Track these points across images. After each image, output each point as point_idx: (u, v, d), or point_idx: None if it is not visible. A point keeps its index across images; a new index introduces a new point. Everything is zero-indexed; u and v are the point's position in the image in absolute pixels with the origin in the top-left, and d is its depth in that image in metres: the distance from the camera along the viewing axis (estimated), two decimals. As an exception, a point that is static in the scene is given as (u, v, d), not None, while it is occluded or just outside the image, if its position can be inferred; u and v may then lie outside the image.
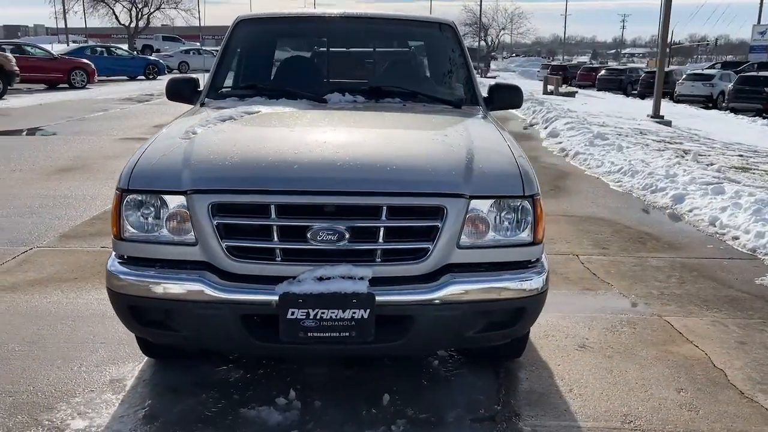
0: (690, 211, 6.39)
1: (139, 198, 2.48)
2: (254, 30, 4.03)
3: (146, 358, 3.17)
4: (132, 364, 3.17)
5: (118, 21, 54.11)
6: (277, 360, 3.18)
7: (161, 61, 32.80)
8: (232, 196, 2.42)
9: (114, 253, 2.58)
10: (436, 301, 2.42)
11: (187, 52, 41.37)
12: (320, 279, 2.38)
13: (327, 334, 2.39)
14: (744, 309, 4.02)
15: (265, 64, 3.98)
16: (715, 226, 5.84)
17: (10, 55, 18.99)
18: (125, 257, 2.53)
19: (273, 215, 2.39)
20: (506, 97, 3.88)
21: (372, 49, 4.17)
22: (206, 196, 2.41)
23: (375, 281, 2.41)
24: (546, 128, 12.96)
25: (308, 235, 2.39)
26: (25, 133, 11.63)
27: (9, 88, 18.25)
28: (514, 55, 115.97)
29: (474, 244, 2.50)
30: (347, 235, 2.40)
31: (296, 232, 2.41)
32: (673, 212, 6.53)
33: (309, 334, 2.38)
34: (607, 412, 2.83)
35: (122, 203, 2.49)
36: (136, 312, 2.50)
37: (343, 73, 4.02)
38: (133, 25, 54.22)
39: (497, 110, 3.96)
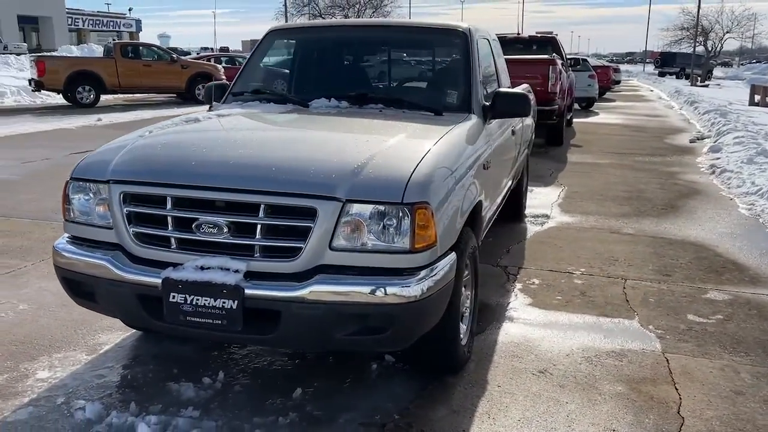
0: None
1: (78, 185, 2.88)
2: (277, 40, 4.32)
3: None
4: (120, 333, 3.62)
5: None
6: (230, 344, 3.43)
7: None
8: (137, 187, 2.71)
9: (65, 233, 3.01)
10: (301, 299, 2.49)
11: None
12: (201, 268, 2.58)
13: (202, 320, 2.58)
14: (782, 358, 3.43)
15: (275, 71, 4.26)
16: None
17: (219, 66, 21.53)
18: (70, 237, 2.95)
19: (169, 206, 2.65)
20: (508, 104, 3.72)
21: (374, 57, 4.24)
22: (118, 186, 2.74)
23: (250, 275, 2.55)
24: (714, 142, 11.65)
25: (193, 227, 2.61)
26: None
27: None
28: (754, 61, 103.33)
29: (348, 247, 2.52)
30: (226, 229, 2.58)
31: (186, 224, 2.63)
32: (794, 243, 5.61)
33: (187, 318, 2.59)
34: (508, 441, 2.66)
35: (67, 189, 2.90)
36: (69, 284, 2.90)
37: (341, 79, 4.13)
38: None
39: (500, 117, 3.83)
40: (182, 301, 2.57)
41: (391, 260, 2.53)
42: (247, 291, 2.51)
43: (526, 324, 3.81)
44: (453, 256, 2.78)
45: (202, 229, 2.60)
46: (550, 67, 10.25)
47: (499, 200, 4.27)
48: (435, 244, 2.60)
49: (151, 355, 3.37)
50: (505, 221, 6.16)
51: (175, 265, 2.63)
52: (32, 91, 19.37)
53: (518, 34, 13.11)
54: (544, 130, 11.51)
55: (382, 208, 2.52)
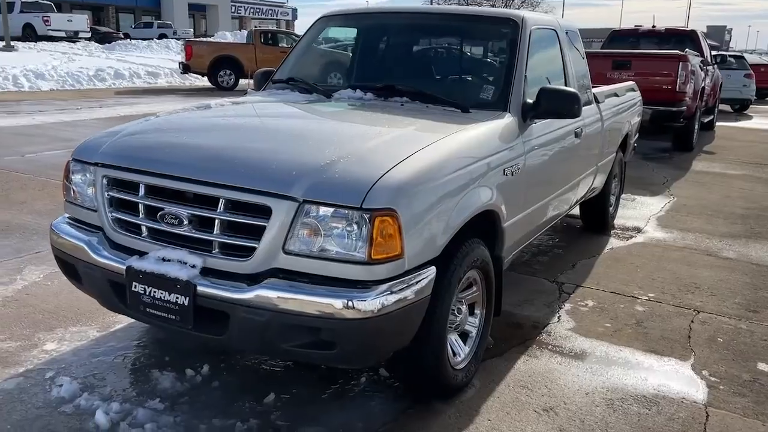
0: None
1: (75, 166, 2.91)
2: (327, 27, 4.16)
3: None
4: (138, 313, 3.67)
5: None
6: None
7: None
8: (116, 171, 2.68)
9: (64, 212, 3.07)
10: (247, 302, 2.33)
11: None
12: (163, 260, 2.50)
13: (158, 313, 2.50)
14: None
15: (318, 59, 4.09)
16: None
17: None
18: (68, 217, 2.99)
19: (141, 193, 2.59)
20: (554, 103, 3.31)
21: (416, 46, 3.92)
22: (102, 170, 2.73)
23: (208, 272, 2.44)
24: None
25: (158, 216, 2.53)
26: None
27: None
28: None
29: (303, 252, 2.32)
30: (187, 222, 2.47)
31: (154, 213, 2.56)
32: None
33: (147, 309, 2.53)
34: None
35: (67, 168, 2.94)
36: (61, 263, 2.95)
37: (375, 69, 3.88)
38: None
39: (544, 117, 3.41)
40: (142, 292, 2.51)
41: (346, 270, 2.29)
42: (199, 288, 2.39)
43: (554, 351, 3.39)
44: (431, 270, 2.48)
45: (166, 219, 2.52)
46: (680, 63, 9.26)
47: (547, 210, 3.83)
48: (400, 257, 2.33)
49: (153, 340, 3.38)
50: (587, 232, 5.64)
51: (142, 254, 2.58)
52: (181, 73, 20.84)
53: (653, 27, 12.00)
54: (671, 134, 10.49)
55: (341, 212, 2.28)
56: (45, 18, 28.09)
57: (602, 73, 9.44)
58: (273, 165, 2.41)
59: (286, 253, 2.33)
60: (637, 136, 6.47)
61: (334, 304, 2.24)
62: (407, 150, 2.57)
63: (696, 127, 10.60)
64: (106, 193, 2.70)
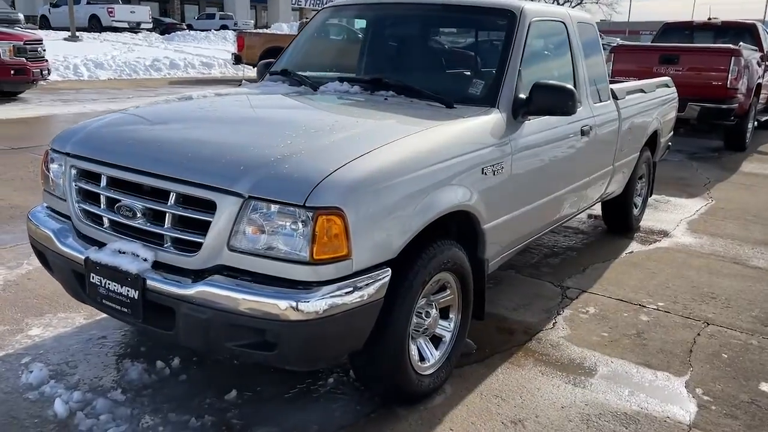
0: None
1: (53, 156, 2.93)
2: (329, 18, 4.09)
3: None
4: (128, 302, 3.71)
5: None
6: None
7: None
8: (82, 162, 2.69)
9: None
10: (189, 299, 2.29)
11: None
12: (119, 252, 2.50)
13: (113, 305, 2.50)
14: None
15: (316, 50, 4.03)
16: None
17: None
18: (46, 206, 3.03)
19: (103, 184, 2.60)
20: (547, 99, 3.14)
21: (411, 38, 3.78)
22: (71, 159, 2.74)
23: (159, 266, 2.42)
24: None
25: (115, 208, 2.53)
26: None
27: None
28: None
29: (247, 250, 2.26)
30: (140, 215, 2.46)
31: (113, 204, 2.56)
32: None
33: (103, 301, 2.53)
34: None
35: (45, 157, 2.98)
36: (35, 251, 2.98)
37: (367, 61, 3.77)
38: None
39: (537, 114, 3.24)
40: (98, 283, 2.52)
41: (290, 270, 2.23)
42: (149, 282, 2.37)
43: (540, 360, 3.24)
44: (385, 272, 2.39)
45: (122, 211, 2.51)
46: (732, 58, 8.76)
47: (546, 213, 3.66)
48: (347, 257, 2.24)
49: (135, 330, 3.39)
50: (610, 235, 5.40)
51: (102, 245, 2.58)
52: (233, 64, 21.16)
53: (709, 19, 11.39)
54: (721, 133, 9.97)
55: (285, 209, 2.22)
56: (109, 9, 29.07)
57: (648, 68, 9.07)
58: (223, 159, 2.37)
59: (231, 249, 2.28)
60: (671, 134, 6.15)
61: (275, 304, 2.18)
62: (368, 146, 2.47)
63: (750, 125, 10.03)
64: (73, 183, 2.72)
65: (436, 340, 2.92)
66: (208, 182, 2.30)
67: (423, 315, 2.78)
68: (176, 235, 2.38)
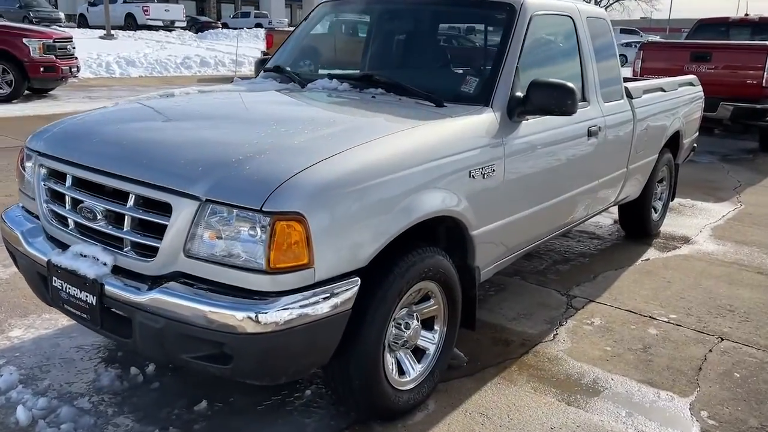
0: None
1: (28, 154, 2.85)
2: (326, 14, 3.94)
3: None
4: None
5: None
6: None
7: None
8: (50, 161, 2.60)
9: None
10: (143, 306, 2.18)
11: (627, 45, 40.08)
12: (81, 255, 2.39)
13: (74, 311, 2.40)
14: None
15: (311, 47, 3.89)
16: None
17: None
18: (21, 206, 2.95)
19: (68, 184, 2.50)
20: (545, 98, 2.95)
21: (408, 33, 3.61)
22: (39, 158, 2.65)
23: (119, 271, 2.31)
24: None
25: (77, 209, 2.43)
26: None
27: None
28: None
29: (203, 256, 2.13)
30: (100, 216, 2.35)
31: (76, 205, 2.46)
32: None
33: (65, 306, 2.44)
34: None
35: (21, 156, 2.90)
36: (9, 252, 2.91)
37: (359, 57, 3.61)
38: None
39: (534, 114, 3.05)
40: (60, 287, 2.42)
41: (247, 279, 2.09)
42: (106, 288, 2.27)
43: (534, 375, 3.05)
44: (353, 282, 2.23)
45: (83, 213, 2.40)
46: (768, 56, 8.35)
47: (547, 218, 3.46)
48: (308, 266, 2.10)
49: (116, 332, 3.31)
50: (627, 240, 5.16)
51: (66, 248, 2.48)
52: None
53: (746, 15, 10.91)
54: (757, 134, 9.54)
55: (242, 214, 2.08)
56: (145, 8, 29.46)
57: (679, 66, 8.71)
58: (182, 160, 2.24)
59: (188, 255, 2.15)
60: (695, 135, 5.85)
61: (230, 315, 2.05)
62: (341, 146, 2.32)
63: (786, 126, 9.55)
64: (42, 183, 2.63)
65: (419, 353, 2.76)
66: (164, 183, 2.18)
67: (402, 326, 2.62)
68: (135, 239, 2.27)
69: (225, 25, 37.17)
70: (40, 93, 12.81)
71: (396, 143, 2.47)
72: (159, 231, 2.20)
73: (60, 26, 26.43)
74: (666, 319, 3.72)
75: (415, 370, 2.71)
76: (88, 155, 2.45)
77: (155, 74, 19.11)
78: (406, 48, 3.59)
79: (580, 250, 4.90)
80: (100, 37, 23.88)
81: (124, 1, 30.14)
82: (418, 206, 2.44)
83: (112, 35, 24.45)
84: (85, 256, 2.37)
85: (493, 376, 3.03)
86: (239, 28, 31.80)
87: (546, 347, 3.33)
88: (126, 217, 2.28)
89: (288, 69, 3.53)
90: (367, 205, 2.25)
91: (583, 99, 3.69)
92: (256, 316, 2.04)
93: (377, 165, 2.32)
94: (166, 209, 2.17)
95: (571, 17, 3.67)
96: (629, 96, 4.27)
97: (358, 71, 3.30)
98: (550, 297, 3.97)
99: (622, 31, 51.15)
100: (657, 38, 48.26)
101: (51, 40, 12.20)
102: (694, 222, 5.79)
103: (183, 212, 2.13)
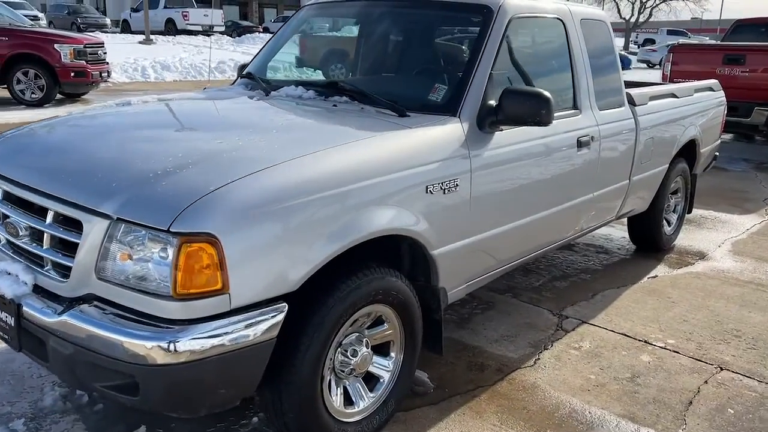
0: None
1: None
2: (310, 17, 3.80)
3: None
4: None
5: (620, 15, 54.08)
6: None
7: (627, 55, 31.85)
8: (-16, 175, 2.51)
9: None
10: (53, 330, 2.05)
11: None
12: (6, 273, 2.29)
13: (-2, 332, 2.29)
14: None
15: (282, 51, 3.75)
16: None
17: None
18: None
19: None
20: (518, 107, 2.73)
21: (384, 37, 3.41)
22: (-21, 173, 2.56)
23: (41, 291, 2.19)
24: None
25: (2, 224, 2.33)
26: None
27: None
28: None
29: (113, 279, 2.00)
30: (23, 232, 2.25)
31: (3, 220, 2.36)
32: None
33: (-10, 325, 2.33)
34: None
35: None
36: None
37: (329, 63, 3.44)
38: (633, 19, 53.55)
39: (507, 124, 2.83)
40: (-16, 307, 2.31)
41: (155, 305, 1.94)
42: (24, 309, 2.15)
43: (503, 406, 2.82)
44: (280, 308, 2.06)
45: (8, 228, 2.30)
46: (806, 58, 7.86)
47: (527, 236, 3.22)
48: (223, 291, 1.94)
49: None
50: (637, 255, 4.86)
51: (0, 263, 2.38)
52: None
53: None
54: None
55: (151, 235, 1.94)
56: (184, 13, 29.94)
57: (711, 69, 8.30)
58: (97, 175, 2.11)
59: (99, 277, 2.02)
60: (716, 143, 5.49)
61: (133, 344, 1.91)
62: (273, 160, 2.16)
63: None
64: (-21, 197, 2.54)
65: (373, 380, 2.57)
66: (76, 199, 2.06)
67: (348, 354, 2.43)
68: (53, 258, 2.15)
69: (266, 30, 37.51)
70: (73, 98, 13.05)
71: (337, 157, 2.29)
72: (70, 249, 2.08)
73: (105, 31, 27.11)
74: (662, 345, 3.43)
75: (366, 400, 2.52)
76: (18, 169, 2.35)
77: (189, 78, 19.32)
78: (378, 54, 3.42)
79: (583, 265, 4.62)
80: (140, 42, 24.35)
81: (165, 7, 30.69)
82: (358, 226, 2.25)
83: (152, 40, 24.90)
84: (9, 273, 2.27)
85: (460, 406, 2.81)
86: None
87: (524, 374, 3.10)
88: (45, 234, 2.17)
89: (257, 75, 3.38)
90: (297, 224, 2.08)
91: (575, 107, 3.45)
92: (166, 346, 1.89)
93: (309, 181, 2.14)
94: (79, 227, 2.05)
95: (561, 20, 3.43)
96: (632, 103, 4.00)
97: (324, 78, 3.12)
98: (540, 317, 3.72)
99: (669, 32, 49.84)
100: (688, 39, 46.33)
101: (82, 46, 12.40)
102: (714, 236, 5.43)
103: (93, 230, 2.00)
